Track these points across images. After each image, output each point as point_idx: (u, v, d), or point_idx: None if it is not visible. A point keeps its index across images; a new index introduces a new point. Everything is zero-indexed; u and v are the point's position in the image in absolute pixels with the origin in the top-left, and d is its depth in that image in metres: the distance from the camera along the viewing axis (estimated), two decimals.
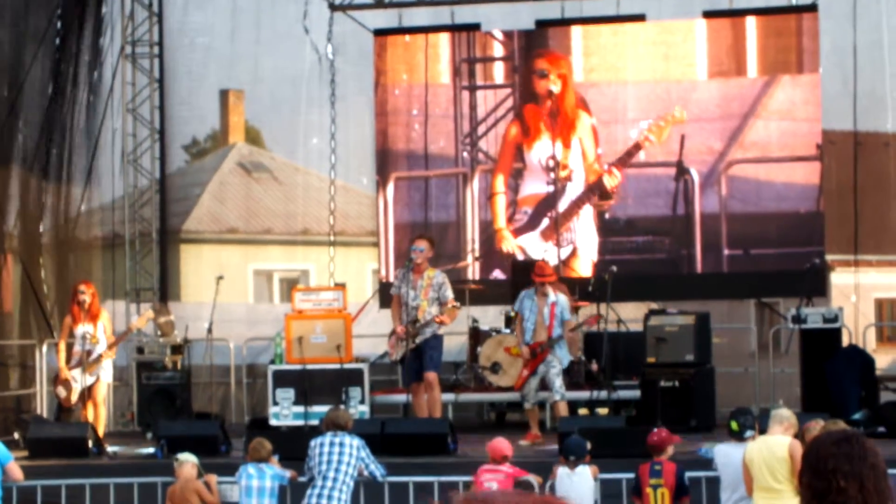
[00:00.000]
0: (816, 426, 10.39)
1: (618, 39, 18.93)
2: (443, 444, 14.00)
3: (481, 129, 19.14)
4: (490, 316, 18.01)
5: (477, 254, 18.89)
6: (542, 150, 18.71)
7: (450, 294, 14.97)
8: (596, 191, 18.58)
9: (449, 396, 16.48)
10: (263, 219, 22.32)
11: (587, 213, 18.65)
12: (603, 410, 15.46)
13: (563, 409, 14.92)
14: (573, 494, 11.38)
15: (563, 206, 18.62)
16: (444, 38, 19.39)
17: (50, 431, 15.14)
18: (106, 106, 19.76)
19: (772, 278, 18.30)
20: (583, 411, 15.81)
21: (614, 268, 16.60)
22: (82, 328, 15.58)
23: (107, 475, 13.08)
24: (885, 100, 18.57)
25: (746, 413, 10.98)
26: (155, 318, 17.60)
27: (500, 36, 19.37)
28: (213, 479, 12.12)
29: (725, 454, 10.81)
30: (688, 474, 11.17)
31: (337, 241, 20.42)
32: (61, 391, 15.72)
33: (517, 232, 18.84)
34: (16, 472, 12.02)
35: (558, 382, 14.96)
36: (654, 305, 18.28)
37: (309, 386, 15.57)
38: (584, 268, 18.59)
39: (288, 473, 12.06)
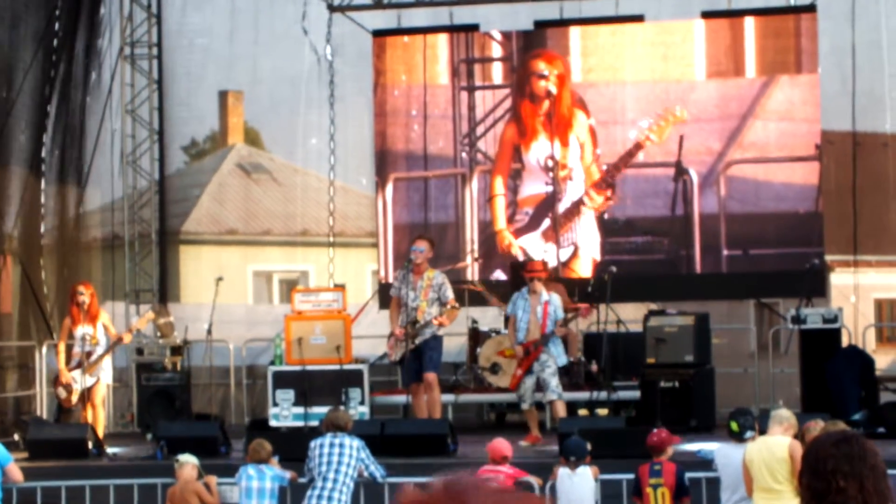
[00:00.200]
0: (816, 426, 10.39)
1: (616, 40, 18.94)
2: (442, 445, 14.00)
3: (480, 129, 19.15)
4: (490, 317, 18.02)
5: (476, 254, 18.90)
6: (540, 150, 18.72)
7: (450, 294, 14.97)
8: (601, 188, 18.58)
9: (449, 397, 16.49)
10: (263, 220, 22.30)
11: (588, 213, 18.66)
12: (603, 411, 15.47)
13: (560, 409, 14.91)
14: (574, 495, 11.39)
15: (565, 205, 18.63)
16: (442, 39, 19.40)
17: (50, 433, 15.14)
18: (105, 107, 19.77)
19: (771, 279, 18.30)
20: (583, 412, 15.82)
21: (614, 268, 16.61)
22: (82, 329, 15.58)
23: (106, 476, 13.08)
24: (884, 100, 18.57)
25: (746, 413, 10.97)
26: (155, 320, 17.60)
27: (498, 36, 19.38)
28: (212, 480, 12.12)
29: (725, 455, 10.81)
30: (688, 475, 11.17)
31: (336, 242, 20.43)
32: (61, 392, 15.71)
33: (518, 232, 18.85)
34: (16, 473, 12.01)
35: (554, 382, 14.95)
36: (654, 306, 18.28)
37: (308, 387, 15.58)
38: (584, 268, 18.59)
39: (288, 474, 12.06)
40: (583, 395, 16.24)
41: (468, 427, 16.99)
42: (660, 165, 18.55)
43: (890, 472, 4.42)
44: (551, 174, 18.57)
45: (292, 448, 12.85)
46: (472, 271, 18.89)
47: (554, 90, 18.66)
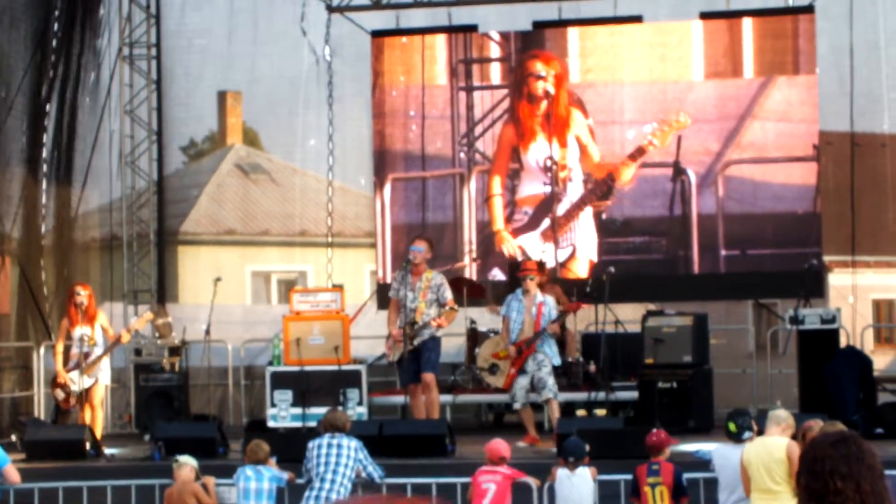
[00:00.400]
0: (815, 426, 10.39)
1: (615, 40, 18.95)
2: (441, 446, 14.00)
3: (478, 129, 19.16)
4: (488, 317, 18.02)
5: (474, 254, 18.91)
6: (538, 151, 18.73)
7: (448, 295, 14.97)
8: (602, 188, 18.58)
9: (447, 398, 16.49)
10: (261, 220, 22.30)
11: (587, 213, 18.67)
12: (601, 411, 15.46)
13: (555, 409, 14.95)
14: (574, 496, 11.38)
15: (565, 205, 18.64)
16: (440, 40, 19.41)
17: (47, 434, 15.14)
18: (103, 108, 19.77)
19: (769, 279, 18.31)
20: (581, 412, 15.82)
21: (612, 269, 16.61)
22: (80, 330, 15.56)
23: (104, 477, 13.07)
24: (882, 100, 18.57)
25: (744, 414, 10.96)
26: (153, 320, 17.60)
27: (496, 37, 19.39)
28: (210, 481, 12.12)
29: (723, 455, 10.80)
30: (686, 476, 11.17)
31: (334, 243, 20.43)
32: (59, 394, 15.70)
33: (517, 232, 18.86)
34: (13, 474, 12.00)
35: (550, 381, 14.98)
36: (652, 306, 18.29)
37: (307, 387, 15.57)
38: (582, 269, 18.60)
39: (286, 475, 12.06)
40: (581, 396, 16.25)
41: (466, 428, 16.99)
42: (658, 166, 18.56)
43: (887, 472, 4.42)
44: (550, 175, 18.57)
45: (290, 449, 12.84)
46: (471, 271, 18.90)
47: (552, 90, 18.67)
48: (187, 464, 12.04)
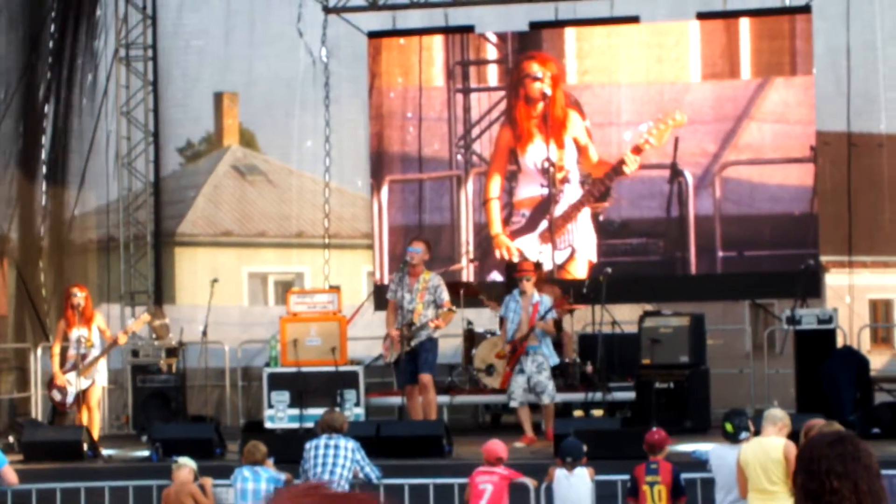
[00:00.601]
0: (818, 425, 10.36)
1: (611, 41, 18.94)
2: (438, 447, 14.01)
3: (475, 131, 19.15)
4: (485, 318, 18.01)
5: (472, 256, 18.90)
6: (536, 152, 18.72)
7: (446, 296, 14.99)
8: (599, 189, 18.58)
9: (444, 398, 16.48)
10: (258, 221, 22.29)
11: (585, 215, 18.67)
12: (598, 412, 15.47)
13: (551, 414, 15.04)
14: (572, 496, 11.38)
15: (563, 207, 18.64)
16: (437, 41, 19.40)
17: (45, 435, 15.14)
18: (100, 109, 19.76)
19: (766, 280, 18.32)
20: (578, 413, 15.82)
21: (609, 269, 16.62)
22: (77, 332, 15.56)
23: (102, 478, 13.07)
24: (879, 100, 18.57)
25: (741, 414, 10.97)
26: (150, 321, 17.60)
27: (493, 38, 19.38)
28: (208, 482, 12.12)
29: (720, 456, 10.81)
30: (683, 476, 11.17)
31: (331, 244, 20.42)
32: (55, 395, 15.70)
33: (515, 234, 18.85)
34: (10, 476, 11.99)
35: (550, 385, 15.06)
36: (649, 307, 18.29)
37: (304, 388, 15.57)
38: (580, 270, 18.60)
39: (283, 476, 12.06)
40: (578, 396, 16.25)
41: (463, 428, 16.99)
42: (655, 167, 18.56)
43: (884, 472, 4.43)
44: (548, 177, 18.56)
45: (287, 450, 12.85)
46: (468, 273, 18.89)
47: (549, 92, 18.67)
48: (186, 465, 12.04)
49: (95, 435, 15.32)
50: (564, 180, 18.66)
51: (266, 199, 22.48)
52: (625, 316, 17.76)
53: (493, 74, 19.41)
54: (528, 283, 15.18)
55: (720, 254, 18.48)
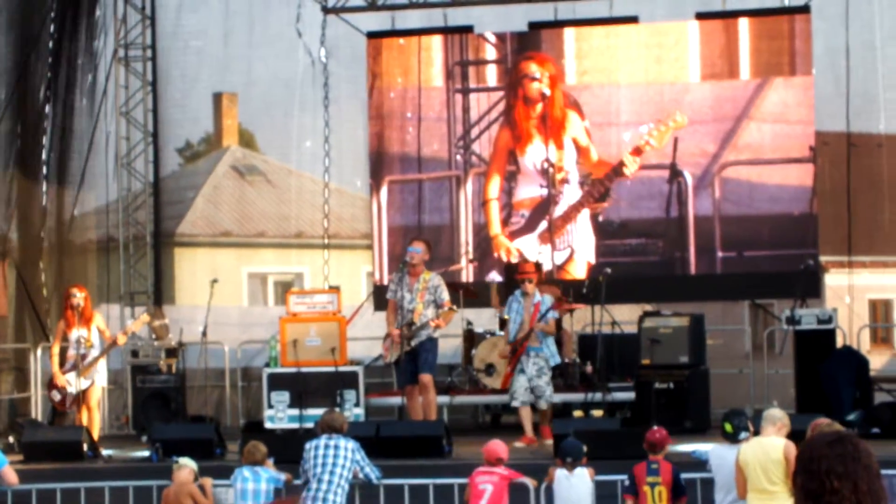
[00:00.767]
0: (824, 425, 10.34)
1: (611, 42, 18.95)
2: (438, 447, 14.01)
3: (474, 131, 19.16)
4: (485, 318, 18.02)
5: (471, 256, 18.90)
6: (535, 153, 18.73)
7: (446, 296, 15.00)
8: (599, 190, 18.59)
9: (444, 399, 16.48)
10: (257, 222, 22.29)
11: (584, 215, 18.67)
12: (598, 412, 15.47)
13: (548, 415, 15.06)
14: (572, 497, 11.38)
15: (563, 207, 18.64)
16: (437, 41, 19.41)
17: (45, 435, 15.14)
18: (99, 109, 19.76)
19: (766, 280, 18.32)
20: (577, 413, 15.83)
21: (608, 270, 16.62)
22: (76, 332, 15.56)
23: (102, 479, 13.06)
24: (878, 100, 18.58)
25: (741, 414, 10.96)
26: (149, 322, 17.60)
27: (492, 38, 19.38)
28: (208, 482, 12.12)
29: (720, 456, 10.80)
30: (682, 476, 11.17)
31: (331, 244, 20.43)
32: (55, 395, 15.70)
33: (515, 234, 18.85)
34: (10, 476, 11.99)
35: (549, 391, 15.10)
36: (649, 307, 18.30)
37: (304, 389, 15.57)
38: (579, 271, 18.61)
39: (283, 476, 12.06)
40: (578, 397, 16.26)
41: (463, 429, 16.99)
42: (654, 167, 18.57)
43: (884, 472, 4.43)
44: (547, 177, 18.57)
45: (287, 450, 12.84)
46: (467, 274, 18.90)
47: (547, 92, 18.67)
48: (187, 465, 12.04)
49: (95, 435, 15.32)
50: (564, 181, 18.66)
51: (265, 200, 22.48)
52: (624, 316, 17.77)
53: (492, 75, 19.41)
54: (529, 284, 15.21)
55: (720, 254, 18.49)
